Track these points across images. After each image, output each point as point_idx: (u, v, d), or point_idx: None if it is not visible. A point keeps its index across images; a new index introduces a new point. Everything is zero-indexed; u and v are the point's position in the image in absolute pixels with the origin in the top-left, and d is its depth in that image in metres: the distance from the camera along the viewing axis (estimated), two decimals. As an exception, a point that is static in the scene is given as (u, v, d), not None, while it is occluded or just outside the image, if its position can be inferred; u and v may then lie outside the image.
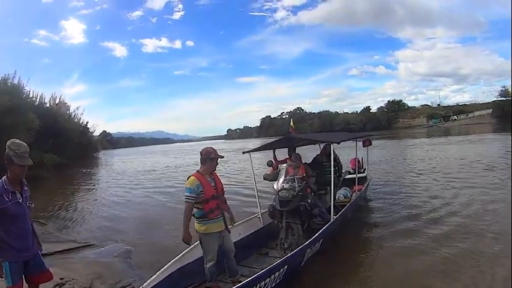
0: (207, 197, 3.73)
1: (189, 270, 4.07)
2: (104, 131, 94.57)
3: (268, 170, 6.33)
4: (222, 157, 3.98)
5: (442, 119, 75.99)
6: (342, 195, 7.33)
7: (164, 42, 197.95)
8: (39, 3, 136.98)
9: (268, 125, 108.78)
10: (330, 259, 5.01)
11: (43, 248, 3.17)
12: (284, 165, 5.91)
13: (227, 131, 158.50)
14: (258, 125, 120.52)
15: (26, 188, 2.89)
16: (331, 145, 5.86)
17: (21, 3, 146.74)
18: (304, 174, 5.67)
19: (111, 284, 4.59)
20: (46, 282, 2.95)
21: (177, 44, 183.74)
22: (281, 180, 5.43)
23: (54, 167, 22.57)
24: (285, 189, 5.28)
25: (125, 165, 30.60)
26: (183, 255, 4.11)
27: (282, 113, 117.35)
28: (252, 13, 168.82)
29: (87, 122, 44.35)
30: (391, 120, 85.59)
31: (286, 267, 3.88)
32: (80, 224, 8.86)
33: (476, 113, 68.11)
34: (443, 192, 8.90)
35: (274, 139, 7.31)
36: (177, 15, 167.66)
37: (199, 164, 3.94)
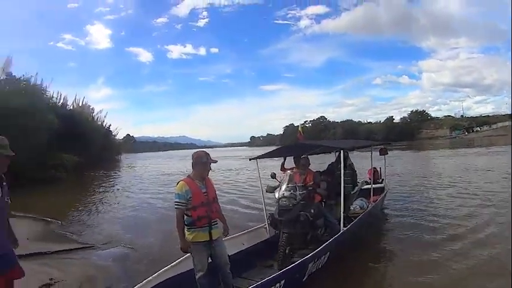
0: (196, 204, 3.49)
1: (182, 279, 3.81)
2: (128, 135, 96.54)
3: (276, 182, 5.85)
4: (215, 161, 3.75)
5: (465, 130, 76.42)
6: (358, 206, 7.15)
7: (189, 48, 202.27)
8: (65, 8, 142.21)
9: (291, 133, 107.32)
10: (337, 275, 4.64)
11: (45, 247, 3.10)
12: (288, 171, 5.59)
13: (250, 138, 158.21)
14: (282, 132, 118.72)
15: (4, 184, 2.80)
16: (342, 152, 5.58)
17: (47, 7, 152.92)
18: (312, 182, 5.36)
19: (100, 288, 4.42)
20: (17, 278, 2.86)
21: (202, 51, 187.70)
22: (283, 187, 5.08)
23: (74, 169, 22.89)
24: (285, 197, 4.91)
25: (144, 169, 30.82)
26: (177, 263, 3.90)
27: (305, 122, 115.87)
28: (276, 21, 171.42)
29: (110, 125, 45.12)
30: (414, 130, 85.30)
31: (283, 281, 3.58)
32: (89, 225, 8.80)
33: (500, 124, 67.40)
34: (465, 208, 8.32)
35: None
36: (201, 23, 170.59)
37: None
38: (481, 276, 4.44)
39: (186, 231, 3.55)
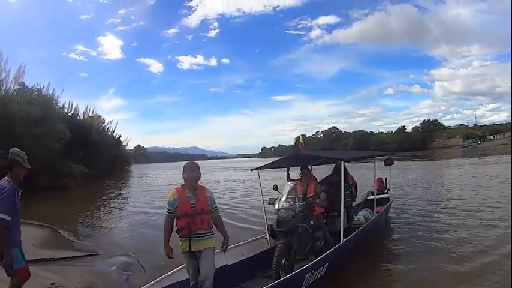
0: (180, 214, 3.48)
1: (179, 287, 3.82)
2: (138, 145, 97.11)
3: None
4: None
5: (478, 139, 75.45)
6: (362, 217, 7.09)
7: (200, 59, 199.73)
8: (78, 19, 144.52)
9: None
10: (336, 286, 4.62)
11: (50, 253, 3.95)
12: (289, 183, 5.56)
13: (262, 149, 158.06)
14: (293, 143, 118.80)
15: (20, 191, 3.35)
16: (342, 163, 5.52)
17: (60, 18, 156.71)
18: (313, 193, 5.37)
19: (99, 295, 4.49)
20: None
21: (213, 62, 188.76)
22: (283, 199, 5.03)
23: (82, 178, 23.15)
24: (284, 208, 4.87)
25: (153, 180, 30.70)
26: (175, 272, 3.90)
27: (316, 132, 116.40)
28: (288, 31, 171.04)
29: (120, 136, 45.61)
30: (427, 140, 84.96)
31: None
32: (94, 233, 8.90)
33: (513, 132, 66.02)
34: (476, 222, 7.89)
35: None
36: (212, 33, 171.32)
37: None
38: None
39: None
